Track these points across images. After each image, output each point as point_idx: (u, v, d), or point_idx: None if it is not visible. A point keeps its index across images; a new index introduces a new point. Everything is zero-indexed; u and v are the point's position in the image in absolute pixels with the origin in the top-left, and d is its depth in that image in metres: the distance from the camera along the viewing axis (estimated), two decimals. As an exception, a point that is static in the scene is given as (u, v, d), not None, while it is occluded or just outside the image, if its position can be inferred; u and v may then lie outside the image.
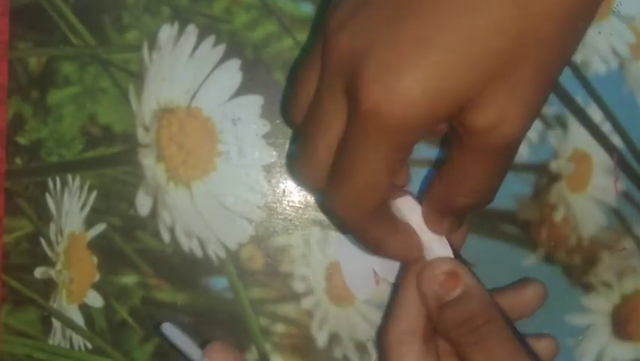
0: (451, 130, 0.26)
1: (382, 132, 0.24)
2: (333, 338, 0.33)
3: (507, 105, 0.24)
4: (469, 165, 0.26)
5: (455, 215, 0.28)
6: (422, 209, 0.28)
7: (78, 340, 0.33)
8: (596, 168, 0.34)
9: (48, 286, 0.34)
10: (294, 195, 0.33)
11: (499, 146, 0.25)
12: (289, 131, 0.33)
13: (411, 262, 0.28)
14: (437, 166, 0.33)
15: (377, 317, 0.33)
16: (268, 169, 0.33)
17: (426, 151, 0.33)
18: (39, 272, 0.34)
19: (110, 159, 0.33)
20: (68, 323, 0.33)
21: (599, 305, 0.34)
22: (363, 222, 0.26)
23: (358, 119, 0.24)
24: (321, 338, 0.33)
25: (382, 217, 0.27)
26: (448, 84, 0.23)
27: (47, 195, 0.34)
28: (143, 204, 0.33)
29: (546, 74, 0.24)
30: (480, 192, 0.26)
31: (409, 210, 0.28)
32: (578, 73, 0.34)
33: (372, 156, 0.24)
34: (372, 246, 0.28)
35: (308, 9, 0.33)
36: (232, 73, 0.33)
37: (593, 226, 0.34)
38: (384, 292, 0.33)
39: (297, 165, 0.28)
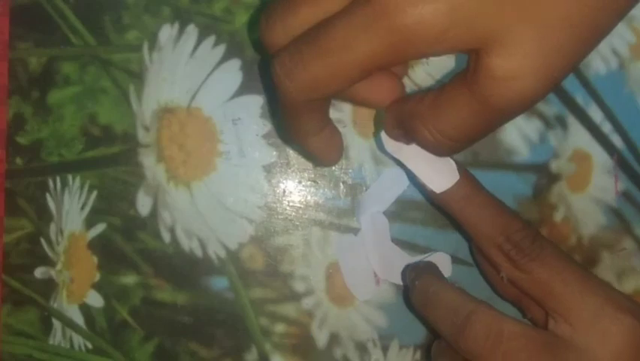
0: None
1: (387, 26, 0.21)
2: (333, 338, 0.33)
3: (531, 56, 0.21)
4: (461, 103, 0.23)
5: (409, 136, 0.26)
6: (388, 107, 0.27)
7: (78, 340, 0.33)
8: (596, 168, 0.34)
9: (48, 286, 0.34)
10: (294, 195, 0.33)
11: (503, 99, 0.22)
12: (289, 132, 0.33)
13: (326, 163, 0.29)
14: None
15: (377, 317, 0.33)
16: (268, 169, 0.33)
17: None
18: (39, 272, 0.34)
19: (111, 159, 0.33)
20: (68, 323, 0.33)
21: (599, 305, 0.34)
22: (303, 106, 0.25)
23: (369, 2, 0.22)
24: (321, 338, 0.33)
25: (320, 110, 0.26)
26: (475, 9, 0.21)
27: (47, 195, 0.34)
28: (143, 204, 0.33)
29: (578, 38, 0.22)
30: (450, 136, 0.24)
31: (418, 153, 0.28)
32: (578, 73, 0.34)
33: (362, 44, 0.22)
34: (295, 135, 0.27)
35: (308, 9, 0.33)
36: (232, 73, 0.33)
37: (593, 226, 0.34)
38: (384, 292, 0.33)
39: (267, 14, 0.25)
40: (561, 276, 0.27)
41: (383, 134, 0.28)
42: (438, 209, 0.32)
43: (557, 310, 0.27)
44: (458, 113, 0.24)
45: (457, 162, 0.28)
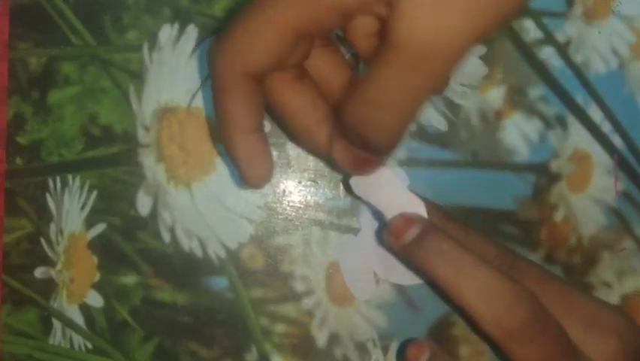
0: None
1: None
2: (333, 338, 0.33)
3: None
4: (378, 62, 0.23)
5: (348, 139, 0.25)
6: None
7: (78, 340, 0.33)
8: (596, 168, 0.34)
9: (48, 286, 0.34)
10: (294, 195, 0.33)
11: (408, 44, 0.22)
12: (289, 132, 0.33)
13: (250, 176, 0.27)
14: (435, 166, 0.33)
15: (377, 317, 0.33)
16: (268, 169, 0.33)
17: (426, 151, 0.33)
18: (39, 272, 0.34)
19: (111, 159, 0.33)
20: (68, 323, 0.33)
21: (599, 305, 0.34)
22: (235, 84, 0.25)
23: None
24: (321, 338, 0.33)
25: (253, 95, 0.25)
26: None
27: (47, 195, 0.34)
28: (143, 204, 0.33)
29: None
30: (374, 102, 0.23)
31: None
32: (578, 73, 0.34)
33: (279, 13, 0.23)
34: (224, 126, 0.26)
35: (308, 9, 0.33)
36: (232, 73, 0.33)
37: (593, 226, 0.34)
38: (384, 292, 0.33)
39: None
40: (544, 299, 0.26)
41: (351, 180, 0.29)
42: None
43: None
44: (378, 72, 0.23)
45: (425, 200, 0.29)
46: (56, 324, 0.34)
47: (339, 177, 0.33)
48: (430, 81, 0.23)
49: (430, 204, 0.30)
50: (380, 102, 0.23)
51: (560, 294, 0.27)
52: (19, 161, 0.34)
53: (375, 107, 0.23)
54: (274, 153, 0.33)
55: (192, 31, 0.33)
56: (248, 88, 0.25)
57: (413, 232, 0.27)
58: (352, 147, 0.26)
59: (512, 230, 0.33)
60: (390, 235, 0.28)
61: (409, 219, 0.27)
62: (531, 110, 0.34)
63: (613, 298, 0.34)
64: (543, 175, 0.34)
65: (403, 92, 0.23)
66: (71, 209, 0.33)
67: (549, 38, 0.34)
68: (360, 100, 0.23)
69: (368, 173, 0.28)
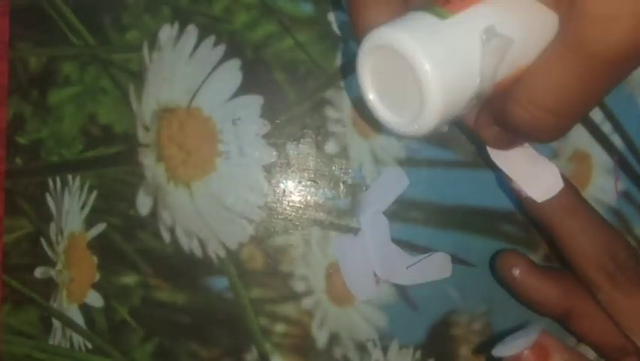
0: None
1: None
2: (333, 338, 0.33)
3: None
4: (554, 63, 0.20)
5: (506, 129, 0.23)
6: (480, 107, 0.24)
7: (78, 340, 0.33)
8: (596, 168, 0.34)
9: (48, 286, 0.34)
10: (294, 195, 0.33)
11: (600, 44, 0.19)
12: (289, 131, 0.33)
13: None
14: (435, 166, 0.33)
15: (377, 317, 0.33)
16: (268, 169, 0.33)
17: (426, 151, 0.33)
18: (39, 272, 0.34)
19: (110, 159, 0.33)
20: (68, 323, 0.33)
21: (599, 305, 0.34)
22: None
23: None
24: (321, 338, 0.33)
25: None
26: None
27: (47, 195, 0.34)
28: (143, 204, 0.33)
29: None
30: (549, 108, 0.20)
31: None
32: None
33: None
34: (353, 20, 0.24)
35: (308, 9, 0.33)
36: (232, 73, 0.33)
37: (593, 226, 0.34)
38: (384, 292, 0.33)
39: None
40: None
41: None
42: (530, 221, 0.31)
43: None
44: (552, 74, 0.20)
45: (560, 171, 0.26)
46: (56, 324, 0.34)
47: (339, 177, 0.33)
48: (617, 83, 0.20)
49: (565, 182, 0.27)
50: (553, 107, 0.21)
51: None
52: (19, 161, 0.34)
53: (547, 111, 0.21)
54: (274, 153, 0.33)
55: (192, 31, 0.33)
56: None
57: None
58: (507, 133, 0.23)
59: (512, 230, 0.33)
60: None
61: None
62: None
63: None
64: (543, 175, 0.34)
65: (582, 97, 0.20)
66: (71, 209, 0.33)
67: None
68: (529, 101, 0.21)
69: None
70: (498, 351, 0.26)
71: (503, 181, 0.33)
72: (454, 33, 0.20)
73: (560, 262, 0.29)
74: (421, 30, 0.20)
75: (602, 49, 0.19)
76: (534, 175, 0.26)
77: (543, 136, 0.22)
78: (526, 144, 0.26)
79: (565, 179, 0.26)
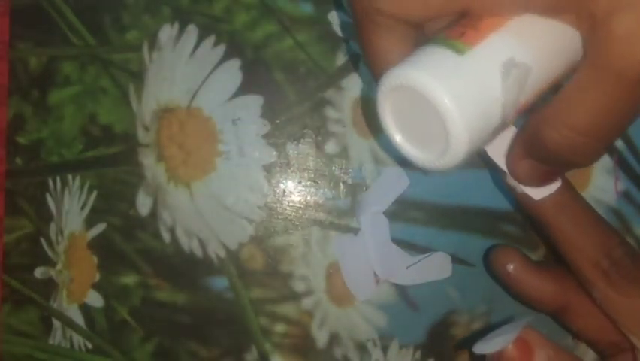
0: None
1: None
2: (333, 338, 0.33)
3: None
4: (587, 86, 0.20)
5: (540, 160, 0.23)
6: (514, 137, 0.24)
7: (78, 340, 0.33)
8: (596, 168, 0.34)
9: (48, 286, 0.34)
10: (294, 195, 0.33)
11: (630, 61, 0.19)
12: (289, 131, 0.33)
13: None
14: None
15: (377, 317, 0.33)
16: (268, 169, 0.33)
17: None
18: (39, 272, 0.34)
19: (110, 159, 0.33)
20: (68, 323, 0.33)
21: (599, 305, 0.34)
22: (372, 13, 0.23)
23: None
24: (321, 338, 0.33)
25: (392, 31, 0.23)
26: None
27: (47, 195, 0.34)
28: (143, 204, 0.33)
29: None
30: (586, 131, 0.20)
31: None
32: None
33: None
34: (361, 45, 0.24)
35: (308, 9, 0.33)
36: (232, 73, 0.33)
37: (593, 226, 0.34)
38: (384, 292, 0.33)
39: None
40: None
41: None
42: (526, 219, 0.31)
43: None
44: (586, 97, 0.20)
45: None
46: (56, 324, 0.34)
47: (339, 177, 0.33)
48: None
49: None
50: (589, 129, 0.21)
51: None
52: (19, 161, 0.34)
53: (582, 134, 0.21)
54: (274, 153, 0.33)
55: (192, 31, 0.33)
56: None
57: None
58: (542, 165, 0.23)
59: (512, 230, 0.33)
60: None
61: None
62: (531, 110, 0.33)
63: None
64: (543, 175, 0.34)
65: (616, 117, 0.21)
66: (71, 209, 0.33)
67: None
68: (564, 125, 0.21)
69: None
70: (479, 348, 0.26)
71: (501, 180, 0.33)
72: (473, 68, 0.21)
73: (556, 260, 0.28)
74: (441, 68, 0.20)
75: (631, 67, 0.19)
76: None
77: (579, 159, 0.22)
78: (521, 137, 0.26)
79: (561, 176, 0.26)
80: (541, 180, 0.24)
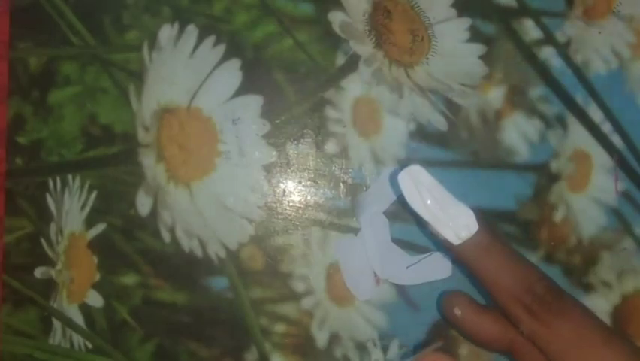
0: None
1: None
2: (333, 338, 0.33)
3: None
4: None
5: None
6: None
7: (78, 340, 0.33)
8: (596, 168, 0.34)
9: (48, 286, 0.34)
10: (294, 195, 0.33)
11: None
12: (289, 131, 0.33)
13: None
14: (435, 166, 0.33)
15: (377, 317, 0.33)
16: (268, 169, 0.33)
17: (426, 151, 0.33)
18: (39, 272, 0.34)
19: (110, 159, 0.33)
20: (68, 323, 0.33)
21: (599, 305, 0.34)
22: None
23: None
24: (321, 338, 0.33)
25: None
26: None
27: (47, 195, 0.34)
28: (143, 204, 0.33)
29: None
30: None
31: None
32: (578, 73, 0.34)
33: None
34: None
35: (308, 9, 0.33)
36: (232, 73, 0.33)
37: (593, 226, 0.34)
38: (384, 292, 0.33)
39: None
40: (584, 332, 0.26)
41: (400, 176, 0.28)
42: (453, 260, 0.32)
43: None
44: None
45: (475, 212, 0.28)
46: (56, 324, 0.34)
47: (339, 177, 0.33)
48: None
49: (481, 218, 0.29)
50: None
51: (600, 330, 0.26)
52: (19, 161, 0.34)
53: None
54: (274, 153, 0.33)
55: (192, 31, 0.33)
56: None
57: None
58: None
59: (512, 230, 0.33)
60: None
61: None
62: (531, 110, 0.34)
63: (613, 298, 0.34)
64: (543, 175, 0.34)
65: None
66: (71, 209, 0.33)
67: (549, 38, 0.34)
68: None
69: None
70: None
71: (502, 183, 0.33)
72: None
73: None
74: None
75: None
76: (450, 219, 0.27)
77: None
78: (441, 188, 0.28)
79: (479, 220, 0.27)
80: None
